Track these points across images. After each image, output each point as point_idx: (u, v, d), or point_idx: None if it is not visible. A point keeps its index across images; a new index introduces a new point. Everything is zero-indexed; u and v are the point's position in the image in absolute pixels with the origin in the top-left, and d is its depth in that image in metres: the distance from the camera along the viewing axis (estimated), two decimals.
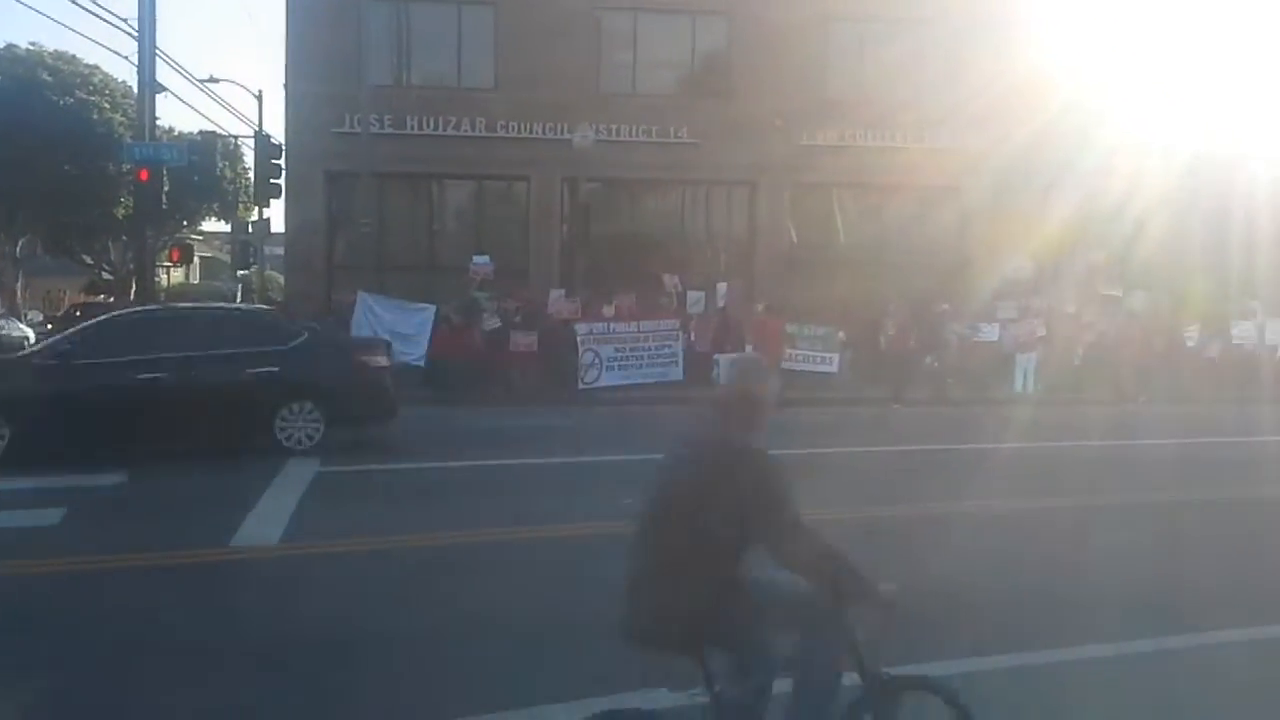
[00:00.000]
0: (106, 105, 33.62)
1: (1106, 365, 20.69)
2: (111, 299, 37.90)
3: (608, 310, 20.77)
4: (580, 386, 19.40)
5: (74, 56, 34.59)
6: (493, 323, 19.88)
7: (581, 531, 8.65)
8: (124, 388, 11.61)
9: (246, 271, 31.47)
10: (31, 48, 33.95)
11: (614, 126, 23.88)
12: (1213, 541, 8.66)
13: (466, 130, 23.96)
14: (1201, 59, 22.52)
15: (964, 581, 7.00)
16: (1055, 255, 22.46)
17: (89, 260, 42.59)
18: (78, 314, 32.95)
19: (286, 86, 24.04)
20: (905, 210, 25.22)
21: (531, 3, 24.05)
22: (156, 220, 23.68)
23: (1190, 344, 21.45)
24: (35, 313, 42.48)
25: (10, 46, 33.76)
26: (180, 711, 5.20)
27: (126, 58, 35.00)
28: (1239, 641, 6.10)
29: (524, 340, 19.59)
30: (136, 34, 20.83)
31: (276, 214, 36.74)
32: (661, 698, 4.37)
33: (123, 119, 32.47)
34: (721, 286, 21.97)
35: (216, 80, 49.83)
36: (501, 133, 23.97)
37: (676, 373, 20.14)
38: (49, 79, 32.89)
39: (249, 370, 12.16)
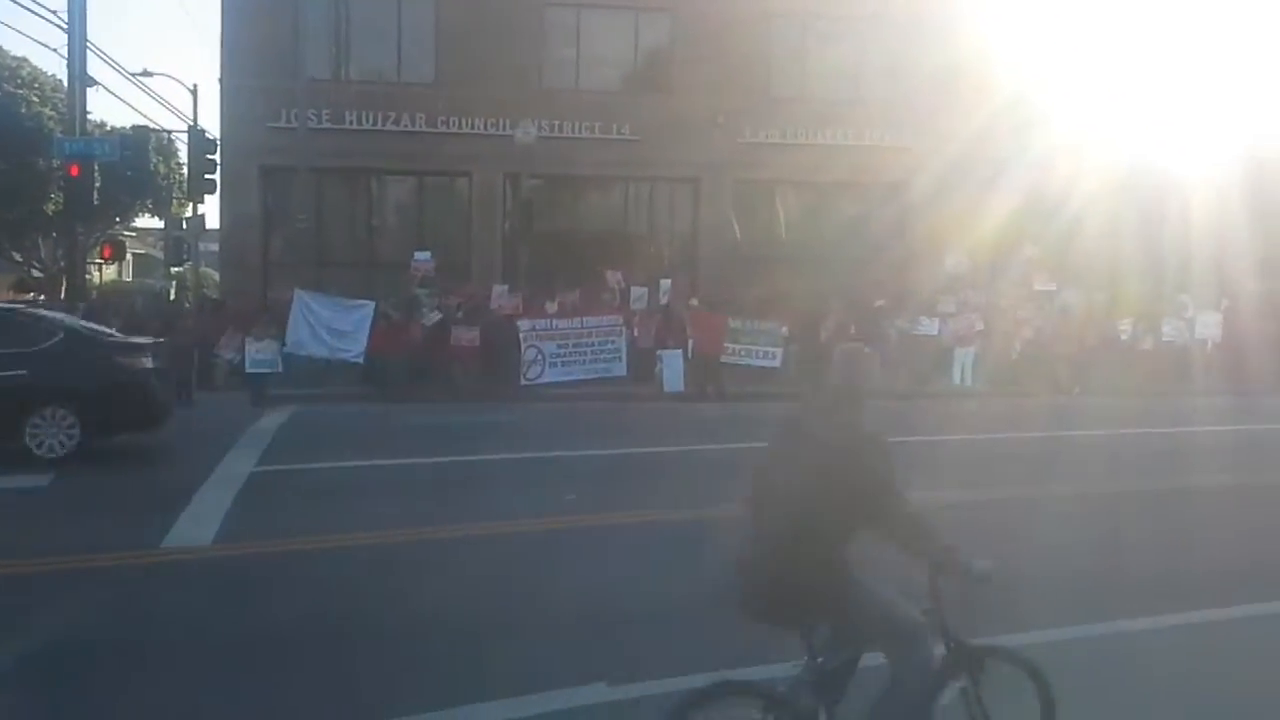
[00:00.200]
0: (35, 99, 32.74)
1: (1043, 359, 21.01)
2: (42, 297, 36.96)
3: (551, 306, 20.67)
4: (523, 383, 19.28)
5: (0, 49, 33.70)
6: (434, 316, 19.70)
7: (524, 528, 8.59)
8: None
9: (180, 268, 30.87)
10: None
11: (557, 122, 23.78)
12: (1151, 533, 8.81)
13: (407, 125, 23.71)
14: (1139, 59, 22.91)
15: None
16: (993, 251, 22.74)
17: (18, 258, 41.44)
18: None
19: (222, 80, 23.62)
20: (848, 207, 25.45)
21: None
22: (87, 216, 23.10)
23: (1123, 338, 21.85)
24: None
25: None
26: (116, 715, 5.06)
27: (56, 50, 34.21)
28: (1162, 628, 6.20)
29: (466, 336, 19.43)
30: (66, 26, 20.32)
31: (211, 210, 36.15)
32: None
33: (53, 113, 31.65)
34: (665, 283, 21.97)
35: (150, 74, 48.96)
36: (443, 128, 23.76)
37: (620, 369, 20.09)
38: None
39: None
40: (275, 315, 19.40)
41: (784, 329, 20.53)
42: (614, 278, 22.12)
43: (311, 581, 7.26)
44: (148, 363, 12.27)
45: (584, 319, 20.24)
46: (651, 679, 5.21)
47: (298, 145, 21.31)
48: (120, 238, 39.38)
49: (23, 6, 22.73)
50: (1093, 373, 20.47)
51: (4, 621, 6.28)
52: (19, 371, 11.37)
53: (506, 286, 21.21)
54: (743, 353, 20.23)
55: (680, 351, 19.84)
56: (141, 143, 24.96)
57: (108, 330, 14.01)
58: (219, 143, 23.90)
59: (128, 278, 53.11)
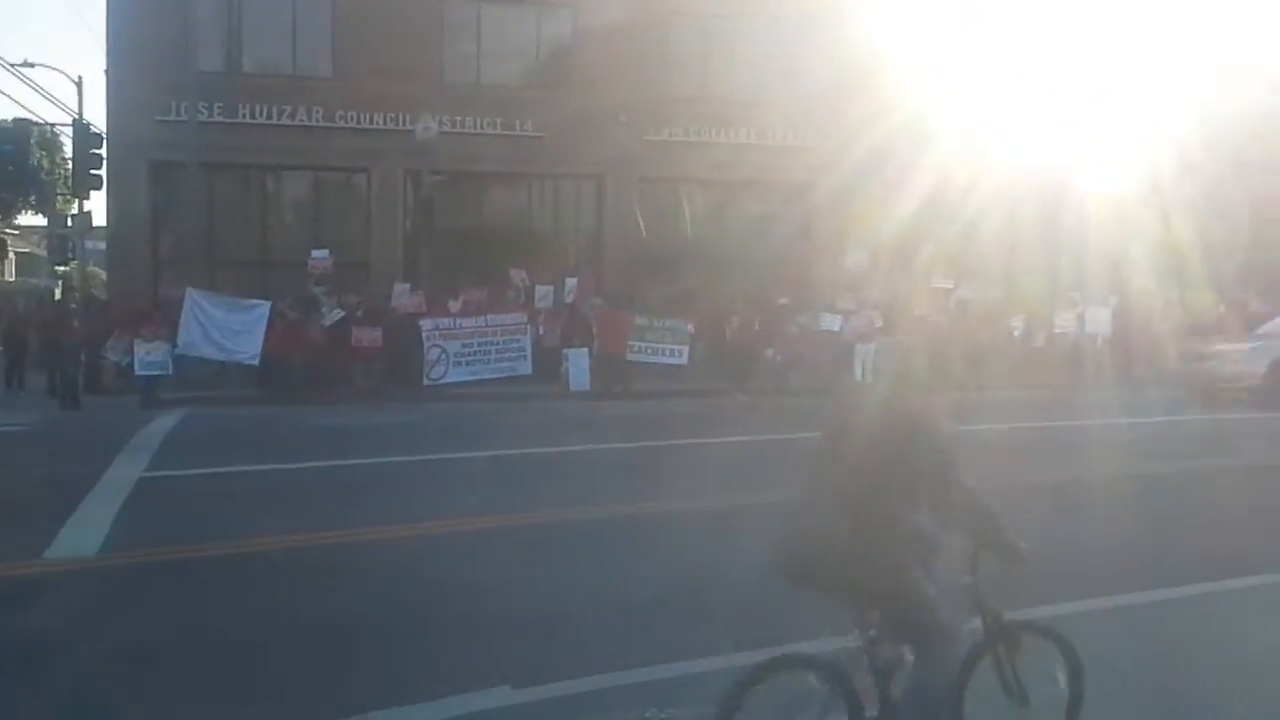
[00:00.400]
0: None
1: (940, 354, 21.44)
2: None
3: (454, 305, 20.44)
4: (426, 383, 19.03)
5: None
6: (337, 314, 19.31)
7: (425, 531, 8.45)
8: None
9: (66, 267, 29.77)
10: None
11: (458, 118, 23.48)
12: (1055, 522, 9.00)
13: (303, 120, 23.16)
14: (1037, 59, 23.51)
15: None
16: (893, 250, 23.15)
17: None
18: None
19: (108, 72, 22.78)
20: (752, 206, 25.62)
21: None
22: None
23: (1016, 333, 22.46)
24: None
25: None
26: None
27: None
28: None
29: (368, 335, 19.10)
30: None
31: (98, 206, 34.83)
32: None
33: None
34: (570, 281, 21.90)
35: (32, 65, 46.69)
36: (340, 123, 23.26)
37: (525, 367, 19.94)
38: None
39: None
40: (166, 316, 18.88)
41: (690, 327, 20.63)
42: (518, 276, 21.99)
43: (202, 591, 7.02)
44: None
45: (488, 317, 20.05)
46: (556, 680, 5.13)
47: (188, 139, 20.66)
48: (2, 236, 37.87)
49: None
50: (988, 367, 20.97)
51: None
52: None
53: (408, 285, 20.90)
54: (649, 351, 20.27)
55: (586, 350, 19.82)
56: (23, 136, 24.17)
57: None
58: (105, 137, 23.05)
59: (10, 277, 51.16)
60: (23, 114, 43.85)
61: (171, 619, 6.37)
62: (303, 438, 13.75)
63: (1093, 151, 23.65)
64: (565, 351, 19.95)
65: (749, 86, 24.83)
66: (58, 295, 31.98)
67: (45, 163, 37.12)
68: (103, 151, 22.89)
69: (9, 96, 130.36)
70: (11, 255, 46.37)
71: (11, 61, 33.38)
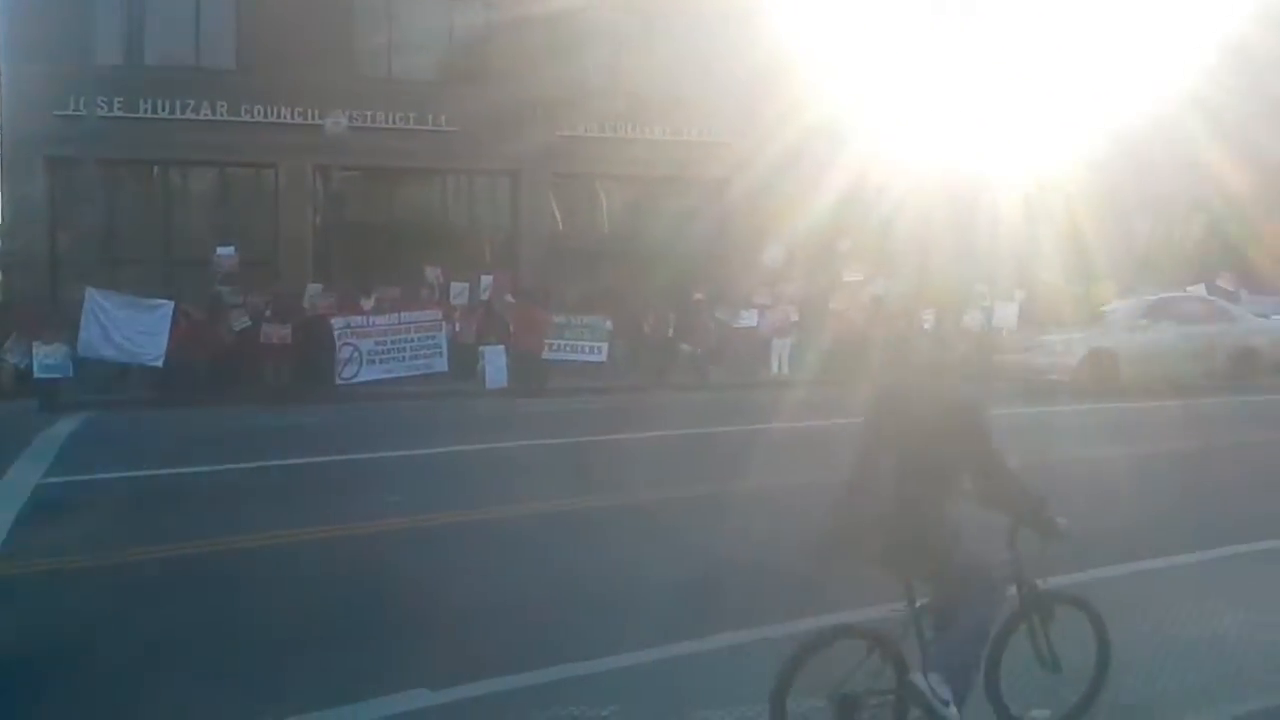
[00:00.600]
0: None
1: (855, 347, 21.72)
2: None
3: (366, 303, 20.11)
4: (338, 382, 18.68)
5: None
6: (242, 322, 18.88)
7: (344, 532, 8.26)
8: None
9: None
10: None
11: (369, 112, 23.09)
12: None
13: (207, 114, 22.58)
14: (953, 56, 23.94)
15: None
16: (809, 245, 23.38)
17: None
18: None
19: (1, 64, 21.93)
20: (669, 202, 25.61)
21: None
22: None
23: (926, 327, 22.79)
24: None
25: None
26: None
27: None
28: None
29: (278, 333, 18.68)
30: None
31: None
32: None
33: None
34: (486, 278, 21.68)
35: None
36: (246, 117, 22.70)
37: (441, 364, 19.67)
38: None
39: None
40: (65, 316, 18.22)
41: (608, 324, 20.56)
42: (433, 273, 21.72)
43: (103, 600, 6.72)
44: None
45: (401, 315, 19.74)
46: (475, 680, 5.04)
47: (87, 134, 19.93)
48: None
49: None
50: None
51: None
52: None
53: (320, 286, 20.53)
54: (568, 349, 20.14)
55: (502, 347, 19.65)
56: None
57: None
58: (0, 132, 22.21)
59: None
60: None
61: (66, 629, 6.11)
62: (210, 441, 13.37)
63: (1003, 150, 24.16)
64: (481, 349, 19.76)
65: (665, 82, 24.81)
66: None
67: None
68: None
69: None
70: None
71: None
